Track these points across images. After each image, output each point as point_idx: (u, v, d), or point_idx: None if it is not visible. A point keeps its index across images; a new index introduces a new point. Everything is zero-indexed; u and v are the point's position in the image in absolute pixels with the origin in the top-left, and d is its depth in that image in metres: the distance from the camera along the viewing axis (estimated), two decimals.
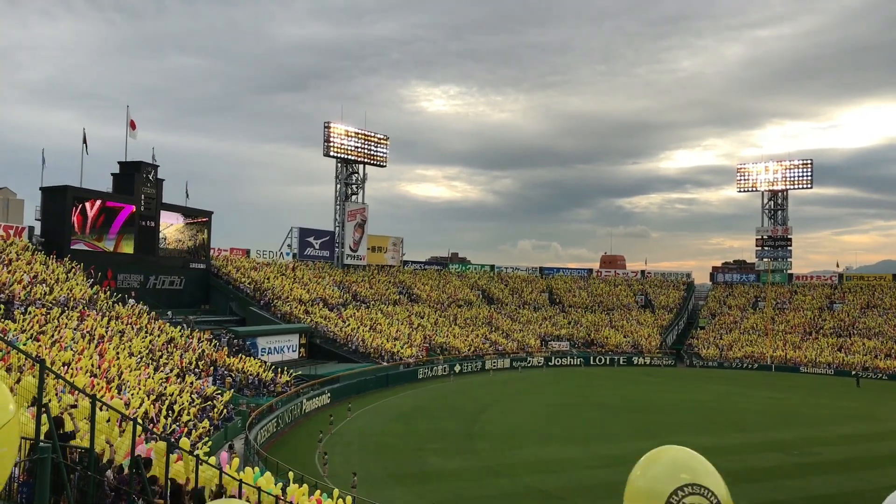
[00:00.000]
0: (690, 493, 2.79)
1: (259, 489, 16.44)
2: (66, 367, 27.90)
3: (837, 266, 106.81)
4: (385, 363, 62.52)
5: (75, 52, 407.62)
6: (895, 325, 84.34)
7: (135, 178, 55.27)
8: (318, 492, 21.00)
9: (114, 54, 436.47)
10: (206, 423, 31.56)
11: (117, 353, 34.27)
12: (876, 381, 71.69)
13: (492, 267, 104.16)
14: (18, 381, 17.83)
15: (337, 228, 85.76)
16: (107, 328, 38.29)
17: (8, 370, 20.45)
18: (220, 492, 14.68)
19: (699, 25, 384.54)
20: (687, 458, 2.99)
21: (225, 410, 36.12)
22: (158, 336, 41.92)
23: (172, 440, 16.51)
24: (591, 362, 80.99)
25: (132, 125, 55.56)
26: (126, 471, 10.91)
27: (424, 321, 78.35)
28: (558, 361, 79.62)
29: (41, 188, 51.38)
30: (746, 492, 30.27)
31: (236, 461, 18.91)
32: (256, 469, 20.80)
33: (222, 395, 37.35)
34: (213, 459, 17.82)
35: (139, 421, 14.37)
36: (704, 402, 55.48)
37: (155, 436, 15.70)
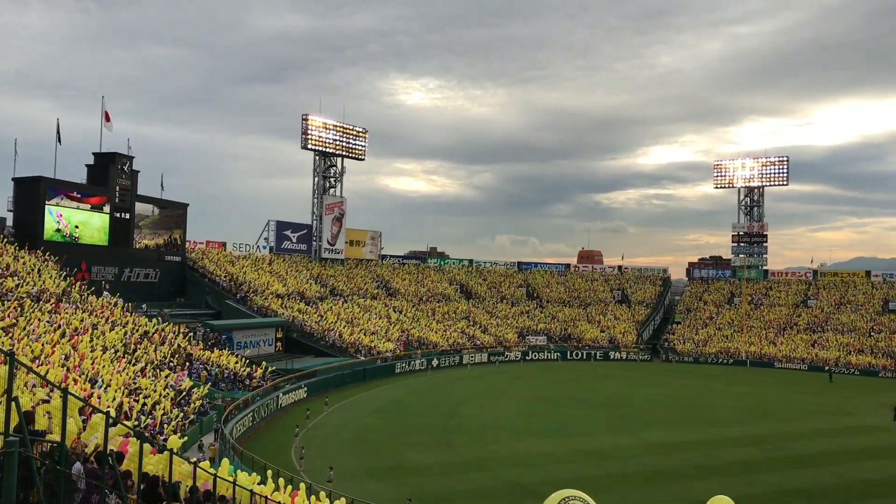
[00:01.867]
0: (572, 499, 3.10)
1: (234, 483, 16.26)
2: (37, 360, 27.47)
3: (812, 262, 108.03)
4: (362, 357, 62.33)
5: (48, 40, 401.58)
6: (868, 322, 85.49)
7: (109, 169, 54.53)
8: (289, 487, 20.79)
9: (88, 43, 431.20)
10: (179, 415, 31.25)
11: (91, 346, 33.83)
12: (848, 377, 72.64)
13: (470, 261, 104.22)
14: None
15: (315, 222, 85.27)
16: (81, 321, 37.77)
17: None
18: (194, 488, 14.49)
19: (679, 21, 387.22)
20: (575, 492, 3.37)
21: (200, 404, 35.82)
22: (133, 329, 41.45)
23: (147, 434, 16.29)
24: (568, 357, 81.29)
25: (107, 117, 54.84)
26: (96, 465, 10.71)
27: (402, 315, 78.22)
28: (535, 356, 79.86)
29: (13, 179, 50.57)
30: (721, 486, 30.48)
31: (226, 463, 18.62)
32: (227, 463, 20.56)
33: (198, 389, 37.02)
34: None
35: (112, 414, 14.13)
36: (680, 397, 55.89)
37: (128, 429, 15.46)
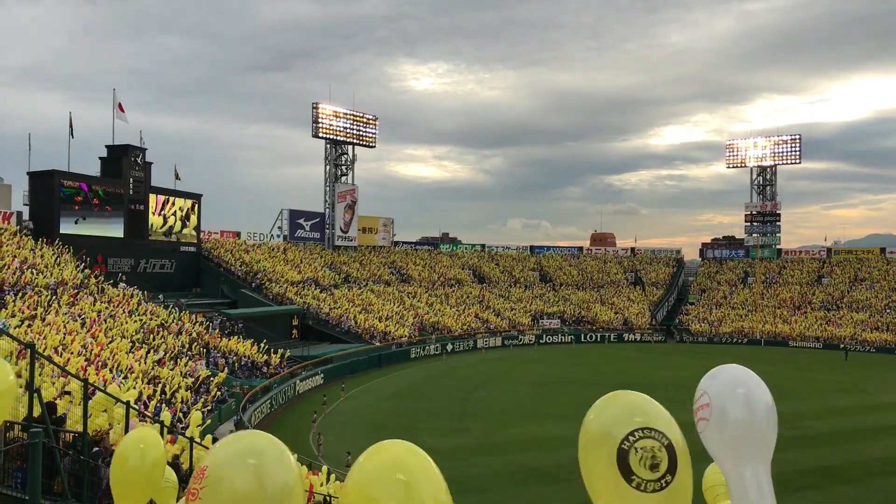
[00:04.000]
0: (642, 437, 2.81)
1: None
2: (56, 351, 27.83)
3: (826, 240, 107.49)
4: (377, 343, 62.66)
5: (56, 33, 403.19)
6: (883, 298, 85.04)
7: (122, 161, 54.88)
8: (304, 468, 21.11)
9: (97, 36, 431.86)
10: (199, 404, 31.61)
11: (111, 337, 34.21)
12: (864, 354, 72.33)
13: (482, 246, 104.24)
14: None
15: (327, 210, 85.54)
16: (99, 313, 38.18)
17: None
18: None
19: None
20: (641, 402, 3.02)
21: (218, 392, 36.20)
22: (150, 319, 41.86)
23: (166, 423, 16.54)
24: (582, 339, 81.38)
25: (120, 108, 55.05)
26: None
27: (416, 301, 78.47)
28: (549, 339, 79.96)
29: (28, 173, 51.02)
30: None
31: None
32: None
33: (215, 378, 37.40)
34: (207, 440, 17.87)
35: (133, 405, 14.38)
36: (694, 377, 54.63)
37: (148, 418, 15.74)
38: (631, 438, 2.80)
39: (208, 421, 27.32)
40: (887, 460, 31.59)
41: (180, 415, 28.36)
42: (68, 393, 16.71)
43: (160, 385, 30.43)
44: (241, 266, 67.69)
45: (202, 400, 33.18)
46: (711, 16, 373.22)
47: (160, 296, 51.55)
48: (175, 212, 61.50)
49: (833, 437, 35.19)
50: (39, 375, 17.44)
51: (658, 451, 2.80)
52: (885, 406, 44.29)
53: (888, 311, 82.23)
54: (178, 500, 5.45)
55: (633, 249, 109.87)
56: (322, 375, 50.19)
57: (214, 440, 20.93)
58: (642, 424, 2.86)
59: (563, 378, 55.00)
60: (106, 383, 23.42)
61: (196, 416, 17.65)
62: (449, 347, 68.88)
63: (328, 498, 19.19)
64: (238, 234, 75.18)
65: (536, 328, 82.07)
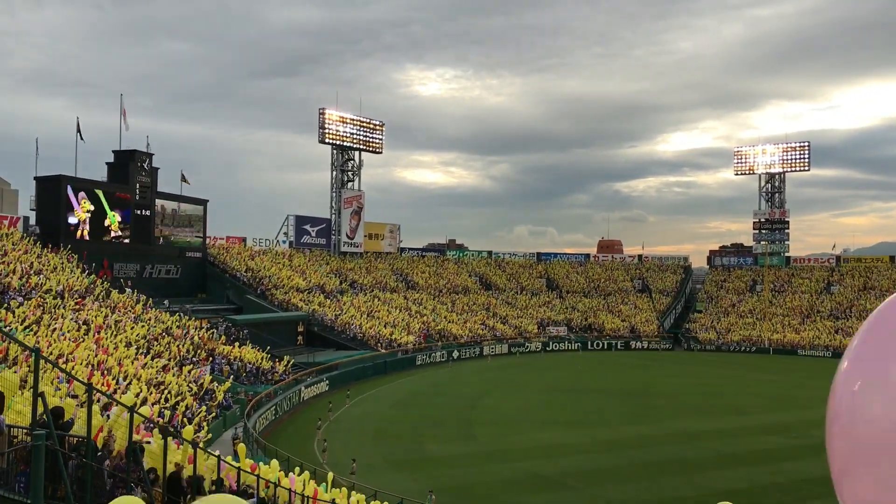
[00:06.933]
0: None
1: (258, 477, 16.40)
2: (63, 357, 27.77)
3: (834, 248, 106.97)
4: (383, 350, 62.52)
5: (64, 38, 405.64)
6: None
7: (129, 166, 54.97)
8: (312, 480, 20.98)
9: (103, 41, 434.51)
10: (203, 411, 31.53)
11: (115, 343, 34.16)
12: None
13: (489, 253, 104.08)
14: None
15: (333, 216, 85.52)
16: (104, 318, 38.13)
17: (4, 361, 20.37)
18: (219, 481, 14.65)
19: (699, 5, 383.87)
20: None
21: (223, 399, 36.11)
22: (155, 325, 41.80)
23: (171, 429, 16.49)
24: (589, 347, 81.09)
25: (124, 115, 55.15)
26: (123, 459, 10.85)
27: (422, 308, 78.34)
28: (556, 346, 79.70)
29: (35, 178, 51.10)
30: (746, 474, 30.36)
31: (243, 448, 18.85)
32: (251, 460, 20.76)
33: (220, 384, 37.31)
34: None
35: (136, 409, 14.29)
36: (703, 386, 55.59)
37: (153, 424, 15.66)
38: None
39: (209, 435, 27.17)
40: None
41: (185, 420, 28.30)
42: (75, 396, 16.65)
43: (164, 391, 30.35)
44: (246, 272, 67.68)
45: (205, 407, 33.10)
46: (720, 22, 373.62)
47: (165, 301, 51.55)
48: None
49: None
50: (42, 380, 17.37)
51: None
52: None
53: None
54: None
55: (640, 257, 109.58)
56: (327, 382, 50.08)
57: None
58: None
59: (569, 385, 54.78)
60: (112, 391, 23.37)
61: (188, 430, 17.57)
62: (455, 355, 68.67)
63: None
64: (244, 240, 75.21)
65: (543, 335, 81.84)
